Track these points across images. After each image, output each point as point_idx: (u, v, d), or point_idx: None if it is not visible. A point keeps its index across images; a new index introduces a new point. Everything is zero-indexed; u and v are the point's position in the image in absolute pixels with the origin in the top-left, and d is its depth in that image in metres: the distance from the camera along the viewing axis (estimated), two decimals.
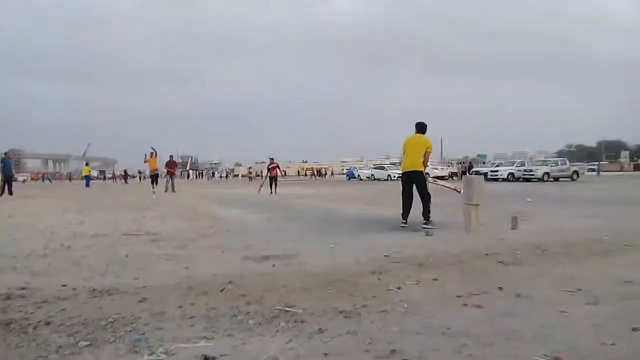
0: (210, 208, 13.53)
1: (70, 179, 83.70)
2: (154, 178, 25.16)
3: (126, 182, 53.58)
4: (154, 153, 24.95)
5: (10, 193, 19.80)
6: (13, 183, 21.04)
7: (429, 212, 8.59)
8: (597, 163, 62.43)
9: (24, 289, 4.33)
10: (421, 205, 8.64)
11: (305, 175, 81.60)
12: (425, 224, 8.42)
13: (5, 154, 21.48)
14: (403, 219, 8.69)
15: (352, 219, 10.21)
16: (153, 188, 23.77)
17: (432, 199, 8.70)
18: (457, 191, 9.39)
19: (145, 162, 25.68)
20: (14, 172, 22.43)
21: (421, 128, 8.95)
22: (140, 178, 76.19)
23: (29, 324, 3.34)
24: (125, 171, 62.63)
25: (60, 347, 2.91)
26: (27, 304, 3.85)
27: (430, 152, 8.81)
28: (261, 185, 23.66)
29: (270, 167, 24.17)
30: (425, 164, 8.77)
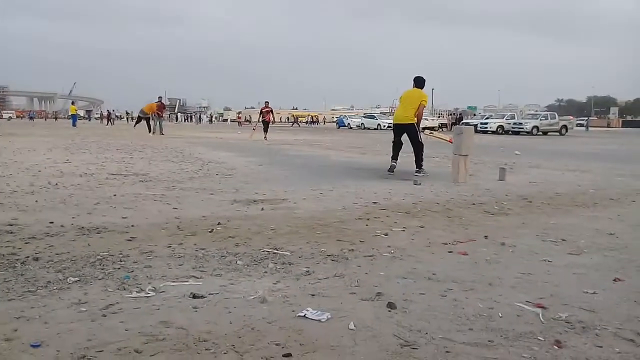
0: (199, 151, 13.45)
1: (56, 118, 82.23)
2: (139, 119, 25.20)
3: (110, 122, 52.18)
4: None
5: None
6: None
7: (422, 160, 8.71)
8: (586, 118, 62.60)
9: (11, 225, 4.31)
10: (413, 154, 8.70)
11: (293, 122, 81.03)
12: (417, 172, 8.53)
13: None
14: (392, 161, 8.85)
15: (341, 166, 10.22)
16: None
17: (424, 149, 8.72)
18: (451, 142, 9.38)
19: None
20: None
21: (418, 82, 8.97)
22: (127, 119, 75.16)
23: (17, 259, 3.34)
24: (108, 111, 60.93)
25: (48, 282, 2.92)
26: (14, 240, 3.84)
27: (424, 106, 8.82)
28: (253, 129, 23.19)
29: (264, 110, 23.13)
30: (419, 117, 8.77)
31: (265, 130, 22.36)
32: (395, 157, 8.88)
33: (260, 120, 22.96)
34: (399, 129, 8.95)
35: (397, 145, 8.94)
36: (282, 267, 3.30)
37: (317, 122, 75.04)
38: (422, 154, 8.72)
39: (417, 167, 8.64)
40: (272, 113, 23.48)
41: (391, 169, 8.75)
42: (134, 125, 24.59)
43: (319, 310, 2.54)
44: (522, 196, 6.45)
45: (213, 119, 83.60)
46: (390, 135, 9.12)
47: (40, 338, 2.19)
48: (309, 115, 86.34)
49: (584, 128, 53.44)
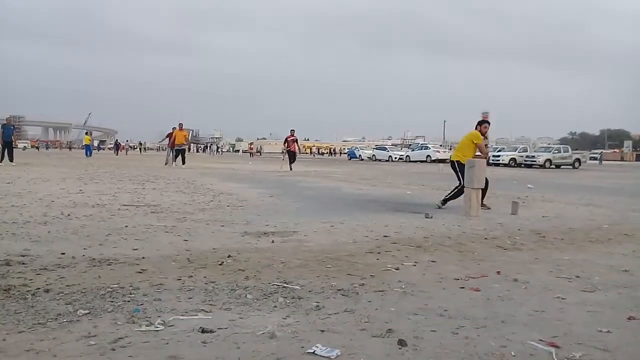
0: (211, 182, 13.52)
1: (70, 148, 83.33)
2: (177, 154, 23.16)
3: (117, 152, 53.22)
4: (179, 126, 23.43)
5: (11, 159, 19.72)
6: (14, 150, 21.00)
7: (450, 198, 8.80)
8: (599, 152, 62.31)
9: (23, 255, 4.34)
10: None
11: (308, 152, 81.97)
12: (440, 203, 8.77)
13: (6, 119, 21.36)
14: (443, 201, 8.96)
15: (352, 199, 10.22)
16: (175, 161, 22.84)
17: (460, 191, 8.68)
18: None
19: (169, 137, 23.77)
20: (14, 139, 22.20)
21: (476, 125, 9.16)
22: (140, 149, 76.06)
23: (28, 291, 3.35)
24: (116, 142, 62.27)
25: (59, 314, 2.92)
26: (26, 271, 3.86)
27: (478, 143, 8.86)
28: (282, 159, 22.29)
29: (289, 139, 21.85)
30: (483, 152, 9.00)
31: (292, 161, 21.52)
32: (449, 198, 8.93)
33: (286, 150, 22.08)
34: (452, 166, 9.24)
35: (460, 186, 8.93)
36: (292, 302, 3.28)
37: (334, 153, 76.26)
38: (455, 194, 8.73)
39: (442, 199, 8.81)
40: (297, 143, 22.52)
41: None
42: (173, 163, 22.69)
43: (328, 347, 2.51)
44: (535, 231, 6.40)
45: (219, 150, 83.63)
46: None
47: None
48: (328, 147, 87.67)
49: (597, 162, 53.15)
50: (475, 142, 8.87)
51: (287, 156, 22.12)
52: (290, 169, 21.08)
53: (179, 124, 23.58)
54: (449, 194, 8.86)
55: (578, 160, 37.04)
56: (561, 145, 41.80)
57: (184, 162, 22.64)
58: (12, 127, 21.12)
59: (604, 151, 70.72)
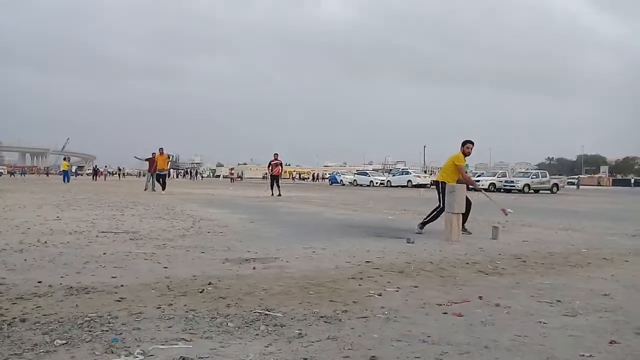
0: (191, 208, 13.42)
1: (47, 174, 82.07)
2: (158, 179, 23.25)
3: (95, 178, 53.04)
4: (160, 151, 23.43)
5: None
6: None
7: (428, 220, 8.86)
8: (577, 177, 63.36)
9: None
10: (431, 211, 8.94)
11: (289, 177, 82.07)
12: (419, 225, 8.83)
13: None
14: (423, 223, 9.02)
15: (333, 224, 10.20)
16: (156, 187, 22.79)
17: (437, 210, 8.83)
18: (505, 213, 9.77)
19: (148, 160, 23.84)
20: None
21: (461, 145, 9.30)
22: (119, 175, 75.38)
23: (3, 320, 3.26)
24: (95, 168, 62.36)
25: (35, 344, 2.84)
26: (1, 300, 3.76)
27: (458, 165, 9.01)
28: (267, 185, 22.21)
29: (272, 162, 21.77)
30: (464, 178, 9.07)
31: (278, 186, 21.30)
32: (429, 220, 8.95)
33: (270, 173, 22.02)
34: (436, 186, 9.32)
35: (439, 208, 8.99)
36: (274, 329, 3.24)
37: (316, 178, 77.00)
38: (434, 215, 8.84)
39: (421, 222, 8.86)
40: (282, 166, 22.44)
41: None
42: (153, 188, 22.62)
43: None
44: (516, 255, 6.44)
45: (199, 175, 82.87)
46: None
47: None
48: (309, 171, 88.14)
49: (574, 186, 54.00)
50: (456, 163, 8.98)
51: (270, 180, 22.07)
52: (279, 194, 20.90)
53: (160, 149, 23.62)
54: (427, 216, 8.91)
55: (556, 185, 37.58)
56: (539, 171, 42.42)
57: (163, 188, 22.46)
58: None
59: (581, 176, 71.91)
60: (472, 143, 9.26)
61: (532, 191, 34.96)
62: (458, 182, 8.79)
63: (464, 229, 8.56)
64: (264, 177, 22.92)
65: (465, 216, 8.66)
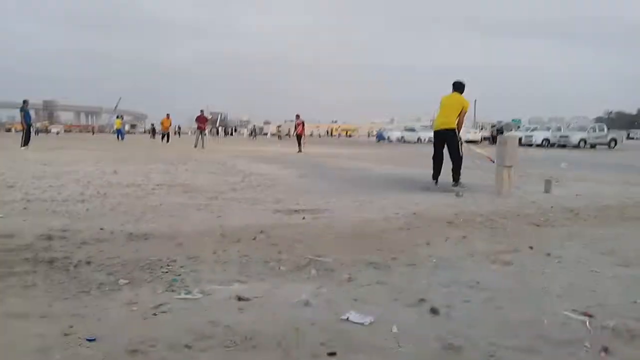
0: (241, 164, 13.67)
1: (93, 132, 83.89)
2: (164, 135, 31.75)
3: (153, 137, 54.05)
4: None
5: (27, 143, 19.35)
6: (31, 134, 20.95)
7: (459, 174, 8.40)
8: (638, 130, 60.54)
9: (64, 230, 4.50)
10: (451, 165, 8.46)
11: (332, 135, 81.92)
12: (454, 185, 8.25)
13: (24, 102, 20.48)
14: (434, 179, 8.59)
15: (381, 178, 10.22)
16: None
17: (463, 162, 8.54)
18: (491, 160, 9.08)
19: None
20: (33, 122, 23.16)
21: (458, 87, 8.62)
22: (179, 133, 76.61)
23: (70, 263, 3.48)
24: (152, 125, 62.97)
25: (101, 283, 3.04)
26: (67, 244, 4.01)
27: (465, 112, 8.54)
28: (299, 145, 23.18)
29: (296, 123, 24.31)
30: (460, 125, 8.52)
31: (299, 143, 22.81)
32: (436, 174, 8.57)
33: (294, 133, 24.33)
34: (439, 137, 8.62)
35: (438, 160, 8.62)
36: (325, 274, 3.34)
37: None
38: (461, 167, 8.41)
39: (454, 181, 8.34)
40: (304, 126, 24.14)
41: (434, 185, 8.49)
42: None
43: (362, 314, 2.56)
44: (569, 208, 6.31)
45: (253, 134, 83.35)
46: (431, 149, 8.94)
47: (95, 333, 2.29)
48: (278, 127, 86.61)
49: (633, 141, 51.69)
50: (466, 110, 8.52)
51: (297, 139, 23.53)
52: (301, 150, 21.93)
53: (166, 114, 32.31)
54: (456, 170, 8.36)
55: (614, 140, 36.08)
56: (596, 124, 40.83)
57: (167, 141, 30.79)
58: (30, 110, 21.20)
59: None
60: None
61: (588, 146, 33.78)
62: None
63: (456, 183, 8.23)
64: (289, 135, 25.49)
65: (456, 170, 8.31)
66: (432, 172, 8.67)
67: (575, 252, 4.05)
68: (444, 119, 8.52)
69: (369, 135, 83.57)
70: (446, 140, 8.51)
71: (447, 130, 8.46)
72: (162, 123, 33.15)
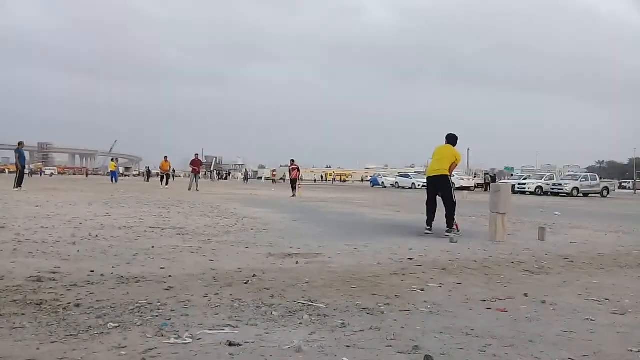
0: (234, 207, 13.64)
1: (87, 175, 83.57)
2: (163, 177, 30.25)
3: (147, 180, 54.12)
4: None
5: (20, 184, 19.10)
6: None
7: (453, 219, 8.35)
8: (630, 181, 61.04)
9: (54, 272, 4.44)
10: (445, 211, 8.42)
11: (327, 180, 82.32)
12: (447, 231, 8.19)
13: (19, 144, 20.59)
14: (427, 226, 8.55)
15: (375, 223, 10.20)
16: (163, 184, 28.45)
17: (457, 208, 8.54)
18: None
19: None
20: (26, 163, 23.38)
21: (451, 140, 8.80)
22: (173, 177, 76.62)
23: (59, 305, 3.42)
24: (147, 168, 63.21)
25: (89, 327, 2.98)
26: (57, 287, 3.95)
27: (457, 164, 8.71)
28: (292, 189, 23.54)
29: (290, 168, 24.75)
30: (450, 172, 8.62)
31: (294, 188, 23.11)
32: (430, 220, 8.56)
33: (290, 178, 24.48)
34: (432, 183, 8.72)
35: (431, 205, 8.65)
36: (318, 319, 3.29)
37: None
38: (454, 213, 8.38)
39: (447, 226, 8.28)
40: (299, 170, 24.71)
41: (427, 231, 8.43)
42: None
43: None
44: (563, 256, 6.30)
45: (246, 177, 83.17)
46: (425, 195, 8.95)
47: None
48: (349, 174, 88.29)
49: (625, 190, 52.11)
50: (458, 162, 8.70)
51: (291, 183, 23.88)
52: (294, 194, 22.18)
53: (164, 157, 30.74)
54: (450, 216, 8.34)
55: (607, 188, 36.38)
56: (589, 174, 41.20)
57: (166, 184, 28.70)
58: (24, 152, 21.43)
59: (637, 180, 68.85)
60: None
61: (581, 194, 33.97)
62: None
63: (450, 229, 8.21)
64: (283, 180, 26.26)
65: (450, 216, 8.30)
66: (425, 217, 8.66)
67: (571, 300, 4.02)
68: (438, 166, 8.63)
69: (362, 180, 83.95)
70: (439, 185, 8.58)
71: (440, 176, 8.57)
72: (161, 166, 31.89)
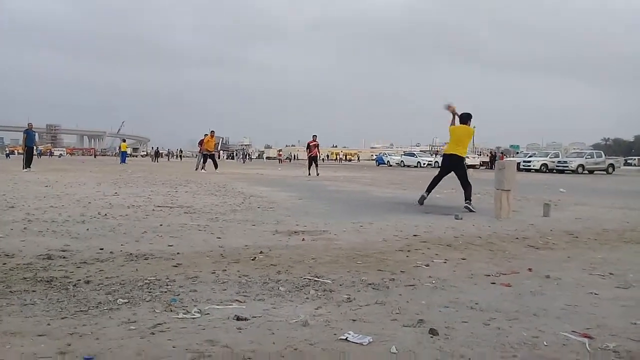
0: (241, 186, 13.69)
1: (95, 156, 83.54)
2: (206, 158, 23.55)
3: (156, 160, 54.24)
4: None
5: (29, 165, 19.76)
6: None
7: (470, 193, 8.77)
8: (635, 157, 60.72)
9: (63, 250, 4.50)
10: (464, 191, 8.82)
11: (335, 159, 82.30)
12: (467, 202, 8.60)
13: (28, 125, 21.72)
14: (425, 192, 9.20)
15: (380, 201, 10.23)
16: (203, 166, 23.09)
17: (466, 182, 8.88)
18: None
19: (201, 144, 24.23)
20: (36, 144, 23.52)
21: (466, 118, 9.17)
22: (180, 157, 76.93)
23: (69, 282, 3.48)
24: (156, 149, 63.26)
25: (99, 303, 3.03)
26: (67, 264, 4.01)
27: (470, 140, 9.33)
28: (309, 167, 22.43)
29: (311, 144, 22.38)
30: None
31: (316, 166, 21.91)
32: (429, 189, 9.15)
33: (308, 155, 22.62)
34: (449, 159, 9.14)
35: (437, 180, 9.18)
36: (324, 294, 3.34)
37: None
38: (471, 191, 8.82)
39: (466, 199, 8.67)
40: (319, 148, 22.94)
41: (421, 200, 9.10)
42: (202, 169, 22.82)
43: (360, 334, 2.56)
44: (568, 232, 6.32)
45: (249, 157, 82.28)
46: (430, 173, 9.20)
47: (92, 352, 2.28)
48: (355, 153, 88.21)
49: (631, 167, 51.84)
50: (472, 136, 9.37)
51: (309, 161, 22.64)
52: (317, 174, 21.33)
53: (211, 131, 24.14)
54: (468, 192, 8.76)
55: (612, 165, 36.25)
56: (594, 151, 40.96)
57: (216, 167, 23.17)
58: (34, 133, 21.65)
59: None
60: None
61: (586, 172, 33.84)
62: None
63: (470, 202, 8.60)
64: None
65: (468, 193, 8.70)
66: (438, 195, 8.97)
67: (575, 274, 4.05)
68: (456, 147, 9.08)
69: (368, 160, 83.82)
70: (454, 164, 9.03)
71: (457, 156, 9.03)
72: (205, 142, 23.69)
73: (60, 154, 77.66)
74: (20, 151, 34.60)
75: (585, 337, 2.60)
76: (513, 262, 4.50)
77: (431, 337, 2.59)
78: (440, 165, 9.43)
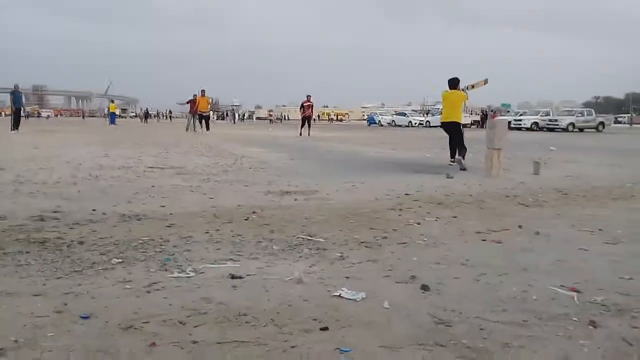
0: (232, 147, 13.63)
1: (83, 117, 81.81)
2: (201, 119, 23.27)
3: (145, 121, 53.52)
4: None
5: (17, 127, 19.02)
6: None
7: (464, 151, 9.09)
8: (625, 115, 60.89)
9: (56, 212, 4.49)
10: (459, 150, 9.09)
11: (327, 120, 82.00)
12: (461, 157, 8.95)
13: (15, 86, 20.44)
14: (451, 158, 9.31)
15: (372, 161, 10.25)
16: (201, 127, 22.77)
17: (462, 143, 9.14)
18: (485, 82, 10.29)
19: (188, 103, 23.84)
20: (23, 106, 22.87)
21: (455, 84, 9.36)
22: (170, 117, 75.90)
23: (63, 243, 3.49)
24: (146, 109, 62.44)
25: (94, 263, 3.05)
26: (60, 225, 4.01)
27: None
28: (301, 127, 22.11)
29: (305, 104, 21.85)
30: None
31: (308, 126, 21.63)
32: (452, 154, 9.34)
33: (302, 115, 22.17)
34: (446, 128, 9.52)
35: (450, 142, 9.45)
36: (317, 252, 3.37)
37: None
38: (465, 150, 9.11)
39: (459, 154, 9.01)
40: (313, 108, 22.52)
41: (454, 165, 9.16)
42: (195, 129, 22.61)
43: (354, 291, 2.60)
44: (557, 189, 6.38)
45: (241, 117, 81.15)
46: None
47: (89, 311, 2.31)
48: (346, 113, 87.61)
49: (621, 125, 52.05)
50: (465, 100, 9.62)
51: (302, 121, 22.30)
52: (309, 134, 21.17)
53: (201, 90, 23.60)
54: (460, 150, 9.10)
55: (602, 123, 36.32)
56: (585, 109, 40.97)
57: (207, 128, 22.76)
58: (21, 94, 21.05)
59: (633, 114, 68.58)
60: None
61: (576, 130, 33.92)
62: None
63: (456, 160, 8.94)
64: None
65: (462, 152, 9.00)
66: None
67: (564, 231, 4.11)
68: (450, 113, 9.43)
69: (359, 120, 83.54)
70: (452, 130, 9.35)
71: (454, 122, 9.38)
72: (197, 102, 22.96)
73: (48, 115, 76.70)
74: (8, 113, 34.00)
75: (574, 291, 2.66)
76: (503, 219, 4.55)
77: (423, 292, 2.64)
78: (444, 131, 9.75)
